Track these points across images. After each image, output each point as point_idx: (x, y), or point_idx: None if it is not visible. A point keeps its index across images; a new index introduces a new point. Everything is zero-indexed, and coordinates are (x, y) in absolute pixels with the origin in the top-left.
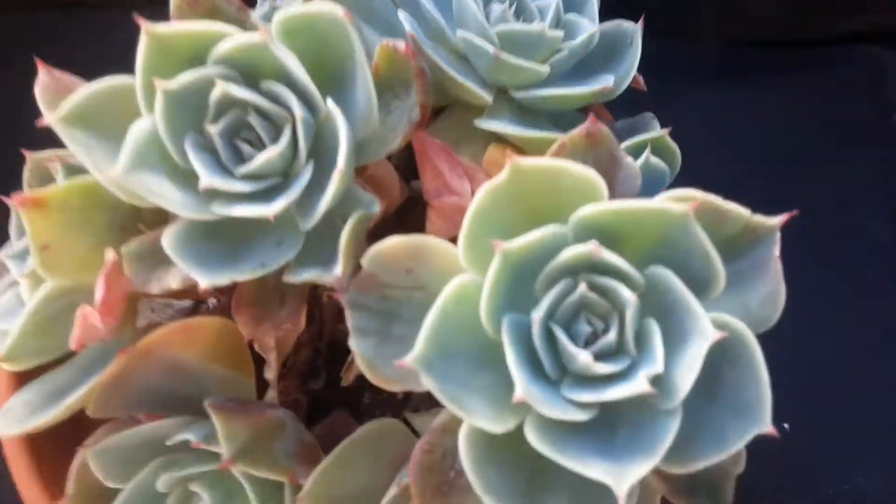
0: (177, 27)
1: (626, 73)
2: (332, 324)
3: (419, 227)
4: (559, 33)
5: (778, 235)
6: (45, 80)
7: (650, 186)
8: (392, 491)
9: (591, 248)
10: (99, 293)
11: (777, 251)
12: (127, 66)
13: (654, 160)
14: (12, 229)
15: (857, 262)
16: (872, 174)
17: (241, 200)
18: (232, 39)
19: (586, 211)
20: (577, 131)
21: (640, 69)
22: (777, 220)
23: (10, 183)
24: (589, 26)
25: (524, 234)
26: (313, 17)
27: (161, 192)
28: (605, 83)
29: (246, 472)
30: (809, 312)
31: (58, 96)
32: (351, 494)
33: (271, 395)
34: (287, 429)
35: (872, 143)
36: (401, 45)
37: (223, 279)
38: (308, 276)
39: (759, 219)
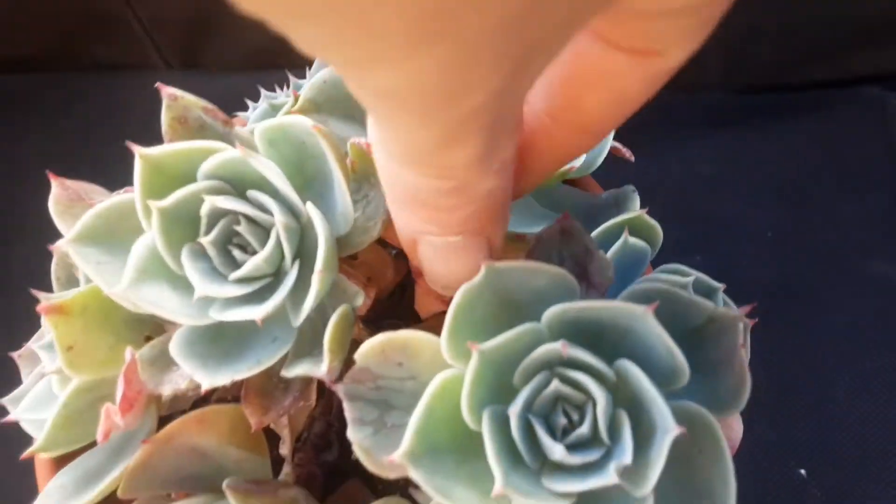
0: (167, 149)
1: (599, 149)
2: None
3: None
4: None
5: (741, 326)
6: (57, 192)
7: (631, 267)
8: None
9: (559, 345)
10: (119, 391)
11: (740, 341)
12: (142, 127)
13: (633, 241)
14: (44, 321)
15: (873, 310)
16: (883, 218)
17: (235, 304)
18: (216, 156)
19: (557, 309)
20: (552, 228)
21: (644, 119)
22: (738, 312)
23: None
24: None
25: (500, 333)
26: (287, 127)
27: (161, 304)
28: (573, 164)
29: None
30: (824, 361)
31: (69, 207)
32: None
33: (286, 469)
34: None
35: (881, 186)
36: (362, 141)
37: (223, 379)
38: (300, 370)
39: (723, 310)
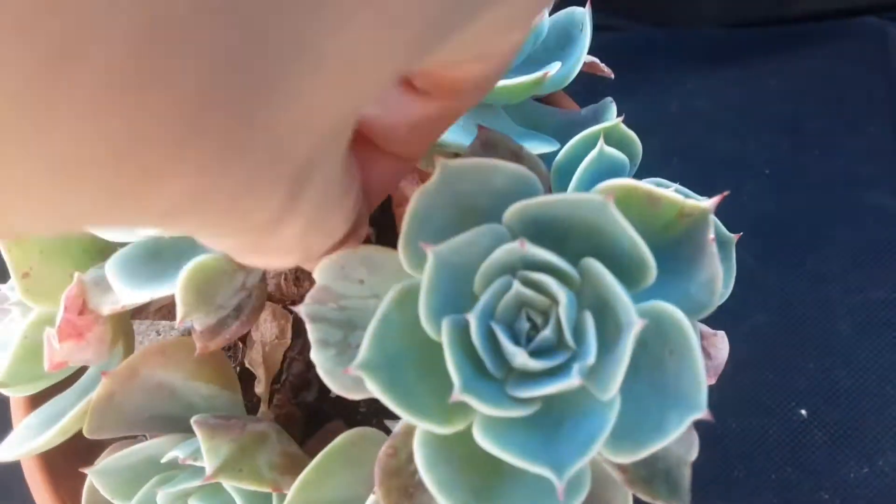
0: None
1: (576, 60)
2: None
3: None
4: None
5: (711, 218)
6: None
7: (607, 177)
8: (371, 498)
9: (517, 244)
10: (59, 316)
11: (711, 234)
12: None
13: (609, 150)
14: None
15: (873, 242)
16: (884, 150)
17: None
18: None
19: (517, 206)
20: (473, 143)
21: (642, 55)
22: (710, 203)
23: None
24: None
25: (454, 238)
26: None
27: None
28: (546, 70)
29: (235, 485)
30: (826, 296)
31: None
32: (333, 502)
33: (262, 408)
34: (270, 441)
35: (881, 118)
36: None
37: (144, 295)
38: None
39: (692, 203)
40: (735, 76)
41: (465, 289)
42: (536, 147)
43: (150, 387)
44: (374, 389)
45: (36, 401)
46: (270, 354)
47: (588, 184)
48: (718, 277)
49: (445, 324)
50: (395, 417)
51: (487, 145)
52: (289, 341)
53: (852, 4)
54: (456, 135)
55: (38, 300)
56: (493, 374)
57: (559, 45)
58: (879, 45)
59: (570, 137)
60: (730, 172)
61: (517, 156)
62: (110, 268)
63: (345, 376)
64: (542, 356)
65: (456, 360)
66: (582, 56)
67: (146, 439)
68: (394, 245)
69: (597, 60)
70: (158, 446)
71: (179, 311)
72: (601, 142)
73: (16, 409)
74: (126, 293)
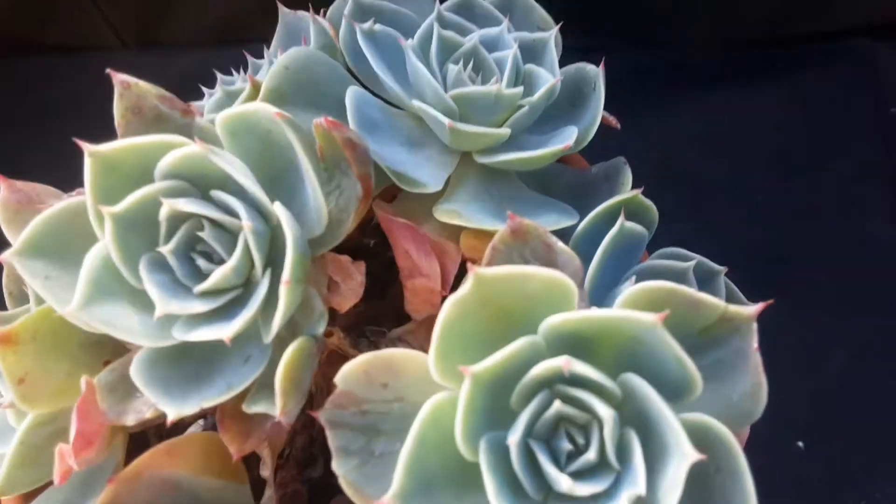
0: (119, 145)
1: (591, 121)
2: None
3: (401, 297)
4: (517, 91)
5: (755, 326)
6: (5, 195)
7: (628, 252)
8: None
9: (561, 362)
10: (73, 428)
11: (755, 343)
12: (99, 115)
13: (630, 225)
14: None
15: (864, 268)
16: (874, 173)
17: (201, 321)
18: (175, 152)
19: (556, 320)
20: (502, 232)
21: (632, 80)
22: (753, 310)
23: None
24: (548, 77)
25: (497, 347)
26: (250, 115)
27: (117, 324)
28: (567, 141)
29: None
30: (816, 325)
31: (19, 212)
32: None
33: (268, 493)
34: None
35: (871, 141)
36: (321, 120)
37: (191, 408)
38: (259, 408)
39: (735, 309)
40: (726, 99)
41: (502, 404)
42: (557, 221)
43: (154, 485)
44: None
45: (23, 496)
46: (276, 434)
47: (612, 260)
48: (763, 387)
49: (483, 447)
50: None
51: (518, 234)
52: (285, 428)
53: (843, 25)
54: (480, 213)
55: (35, 406)
56: (532, 498)
57: (570, 101)
58: (869, 66)
59: (583, 198)
60: (721, 198)
61: (550, 248)
62: (140, 378)
63: (369, 489)
64: (586, 479)
65: (496, 486)
66: (596, 120)
67: None
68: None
69: (606, 114)
70: None
71: (280, 403)
72: (622, 218)
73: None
74: (171, 408)
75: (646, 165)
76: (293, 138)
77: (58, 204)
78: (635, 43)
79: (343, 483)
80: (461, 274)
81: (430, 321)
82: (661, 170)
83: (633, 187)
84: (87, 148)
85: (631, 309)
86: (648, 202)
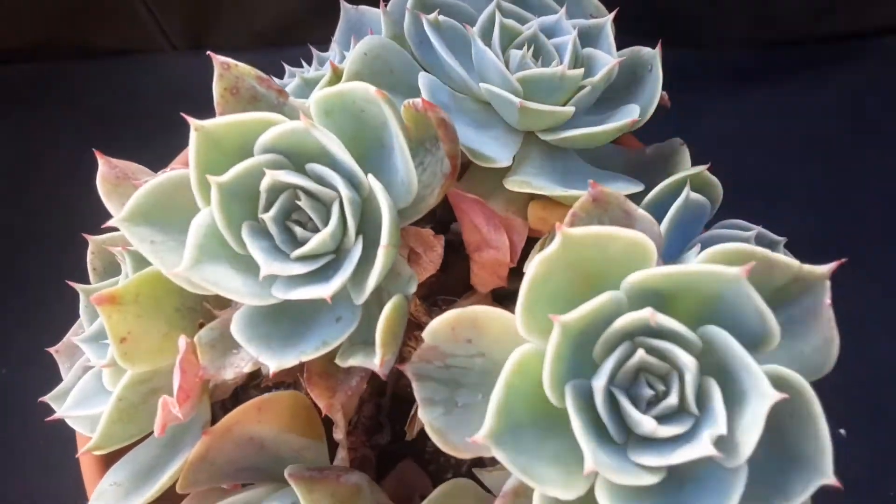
0: (223, 121)
1: (649, 100)
2: (393, 379)
3: (463, 273)
4: (579, 72)
5: (828, 284)
6: (104, 170)
7: (692, 221)
8: None
9: (646, 314)
10: (176, 381)
11: (828, 300)
12: (151, 112)
13: (695, 196)
14: (82, 312)
15: None
16: None
17: (300, 283)
18: (276, 128)
19: (638, 277)
20: (583, 199)
21: (671, 78)
22: (826, 269)
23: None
24: (607, 59)
25: (580, 304)
26: (348, 94)
27: (223, 284)
28: (632, 116)
29: None
30: (864, 317)
31: (118, 186)
32: None
33: (342, 454)
34: (364, 493)
35: None
36: (418, 101)
37: (290, 360)
38: (355, 361)
39: (809, 268)
40: (764, 97)
41: (585, 355)
42: (622, 189)
43: (242, 442)
44: (500, 458)
45: (107, 456)
46: (349, 400)
47: (679, 227)
48: (835, 341)
49: (569, 392)
50: (463, 460)
51: (599, 201)
52: (364, 387)
53: (875, 24)
54: (550, 183)
55: (135, 363)
56: (615, 440)
57: (626, 85)
58: None
59: (640, 177)
60: (763, 194)
61: (629, 214)
62: (241, 334)
63: (454, 436)
64: (667, 422)
65: (583, 428)
66: (655, 97)
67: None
68: (458, 283)
69: (663, 93)
70: (249, 498)
71: (380, 353)
72: (687, 189)
73: (87, 467)
74: (272, 361)
75: None
76: (390, 115)
77: (161, 176)
78: (674, 43)
79: (429, 430)
80: (527, 249)
81: (489, 295)
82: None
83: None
84: (194, 123)
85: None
86: (714, 179)
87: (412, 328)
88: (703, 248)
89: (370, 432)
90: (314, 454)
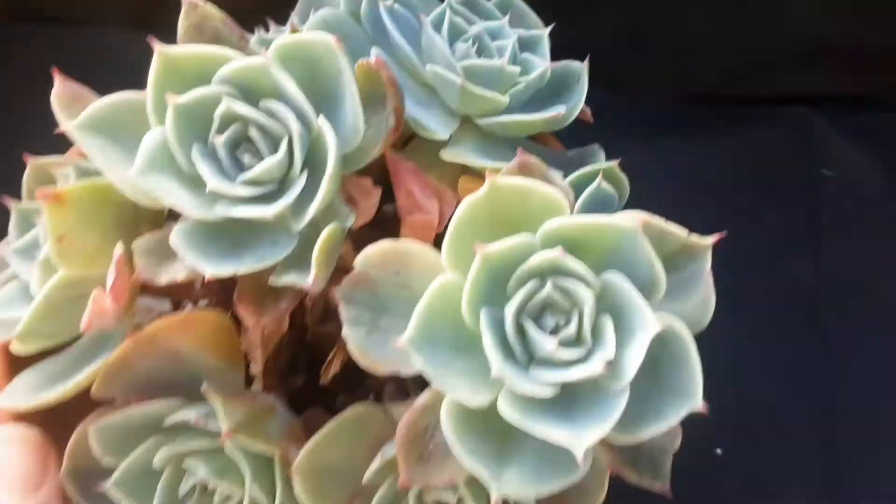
0: (187, 49)
1: (574, 104)
2: (314, 326)
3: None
4: (517, 69)
5: (710, 253)
6: (59, 87)
7: (601, 209)
8: (376, 463)
9: (556, 254)
10: (110, 279)
11: (708, 266)
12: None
13: (606, 186)
14: (12, 228)
15: (786, 300)
16: (802, 224)
17: (243, 202)
18: (235, 62)
19: (552, 224)
20: (510, 165)
21: (587, 123)
22: (710, 240)
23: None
24: (542, 63)
25: (500, 241)
26: (307, 43)
27: (171, 193)
28: (558, 111)
29: (240, 448)
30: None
31: (72, 105)
32: (337, 467)
33: (257, 387)
34: (278, 412)
35: (802, 197)
36: (371, 59)
37: (227, 270)
38: (287, 279)
39: (695, 238)
40: (673, 147)
41: (499, 287)
42: None
43: (162, 353)
44: (417, 362)
45: (16, 366)
46: (268, 339)
47: (589, 210)
48: (712, 299)
49: (483, 315)
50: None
51: (524, 168)
52: (285, 329)
53: (785, 93)
54: (483, 158)
55: (70, 264)
56: (519, 361)
57: (556, 91)
58: (805, 132)
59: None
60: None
61: (550, 182)
62: (179, 241)
63: (374, 352)
64: (566, 347)
65: (493, 346)
66: (580, 104)
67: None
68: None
69: (586, 108)
70: (161, 409)
71: (314, 272)
72: (600, 178)
73: None
74: (209, 268)
75: None
76: (345, 67)
77: (116, 95)
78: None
79: (351, 346)
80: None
81: None
82: None
83: None
84: (158, 46)
85: None
86: (623, 176)
87: (340, 273)
88: None
89: (285, 376)
90: (230, 378)
